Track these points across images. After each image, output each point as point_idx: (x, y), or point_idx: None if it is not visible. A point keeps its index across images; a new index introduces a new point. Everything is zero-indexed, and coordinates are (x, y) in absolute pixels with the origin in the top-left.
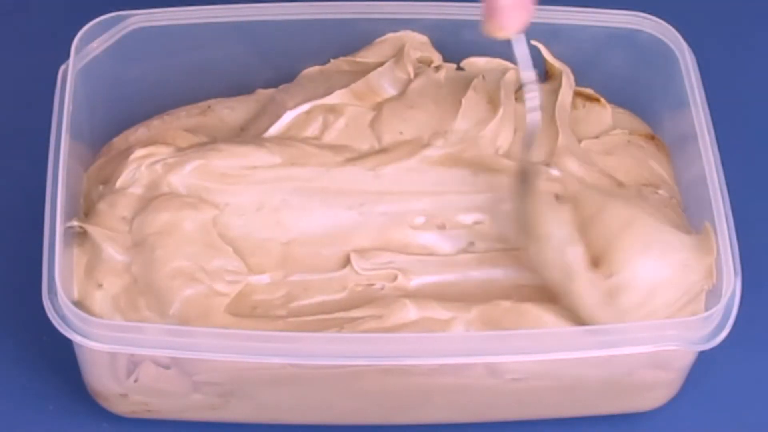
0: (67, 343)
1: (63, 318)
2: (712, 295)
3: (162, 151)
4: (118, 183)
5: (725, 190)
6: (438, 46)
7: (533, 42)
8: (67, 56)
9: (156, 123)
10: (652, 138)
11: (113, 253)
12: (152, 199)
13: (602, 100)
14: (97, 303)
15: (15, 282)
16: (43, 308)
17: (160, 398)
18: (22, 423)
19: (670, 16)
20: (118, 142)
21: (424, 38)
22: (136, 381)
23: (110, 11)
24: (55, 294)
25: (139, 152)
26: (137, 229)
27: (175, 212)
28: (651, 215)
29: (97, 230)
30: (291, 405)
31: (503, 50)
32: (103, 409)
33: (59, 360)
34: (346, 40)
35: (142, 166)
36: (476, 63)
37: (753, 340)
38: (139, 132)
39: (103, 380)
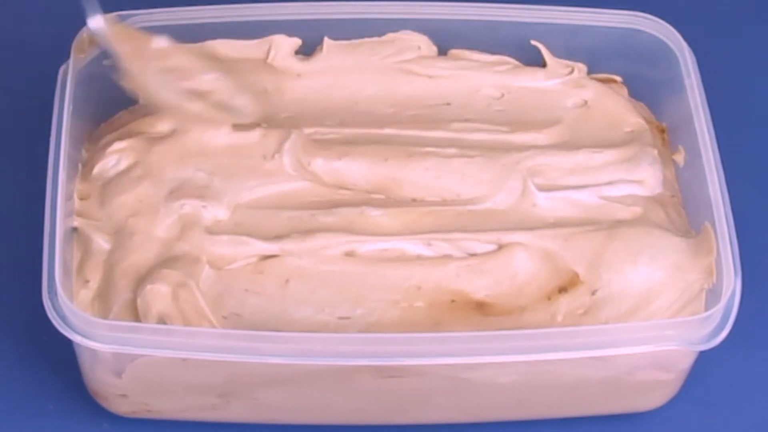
0: (67, 343)
1: (63, 318)
2: (712, 295)
3: (138, 145)
4: (94, 171)
5: (725, 190)
6: (438, 46)
7: (533, 42)
8: (67, 56)
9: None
10: (663, 131)
11: (102, 242)
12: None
13: (618, 80)
14: (80, 300)
15: (15, 282)
16: (43, 308)
17: (160, 398)
18: (22, 423)
19: (670, 16)
20: (104, 127)
21: (424, 38)
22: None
23: (110, 11)
24: (55, 294)
25: (117, 145)
26: (114, 215)
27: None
28: (634, 225)
29: (85, 222)
30: (291, 405)
31: (505, 50)
32: (103, 409)
33: (59, 360)
34: (346, 40)
35: (122, 158)
36: (461, 55)
37: (753, 340)
38: (122, 115)
39: (103, 380)
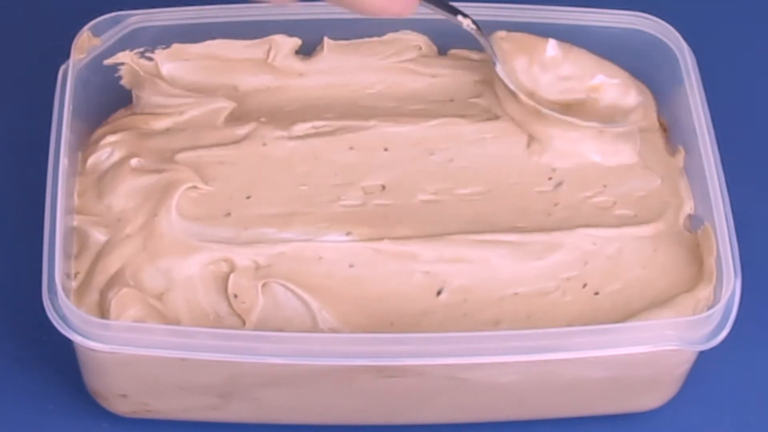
0: (67, 343)
1: (63, 318)
2: (712, 295)
3: (130, 138)
4: (88, 164)
5: (725, 190)
6: (438, 46)
7: None
8: (67, 56)
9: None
10: (665, 130)
11: (100, 236)
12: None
13: None
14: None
15: (15, 282)
16: (43, 308)
17: (160, 398)
18: (22, 423)
19: (670, 16)
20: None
21: (424, 38)
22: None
23: (110, 11)
24: (55, 294)
25: (109, 138)
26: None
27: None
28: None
29: (84, 219)
30: (291, 405)
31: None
32: (103, 409)
33: (59, 360)
34: (346, 40)
35: (114, 151)
36: (461, 55)
37: (753, 340)
38: (119, 112)
39: (103, 380)
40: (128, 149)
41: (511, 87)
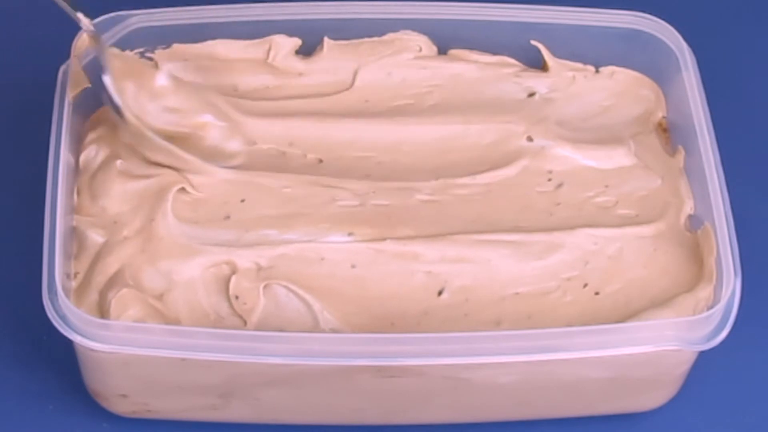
0: (67, 343)
1: (63, 318)
2: (712, 295)
3: (107, 134)
4: (80, 164)
5: (725, 190)
6: (438, 46)
7: (533, 42)
8: (67, 56)
9: None
10: (665, 131)
11: (97, 237)
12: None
13: None
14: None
15: (15, 282)
16: (43, 308)
17: (160, 398)
18: (22, 423)
19: (670, 16)
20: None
21: (423, 38)
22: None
23: (110, 11)
24: (55, 294)
25: (91, 135)
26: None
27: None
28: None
29: (82, 219)
30: (291, 405)
31: (505, 50)
32: (103, 409)
33: (59, 360)
34: (346, 40)
35: (99, 149)
36: (461, 55)
37: (753, 340)
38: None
39: (103, 380)
40: (110, 146)
41: (117, 101)
